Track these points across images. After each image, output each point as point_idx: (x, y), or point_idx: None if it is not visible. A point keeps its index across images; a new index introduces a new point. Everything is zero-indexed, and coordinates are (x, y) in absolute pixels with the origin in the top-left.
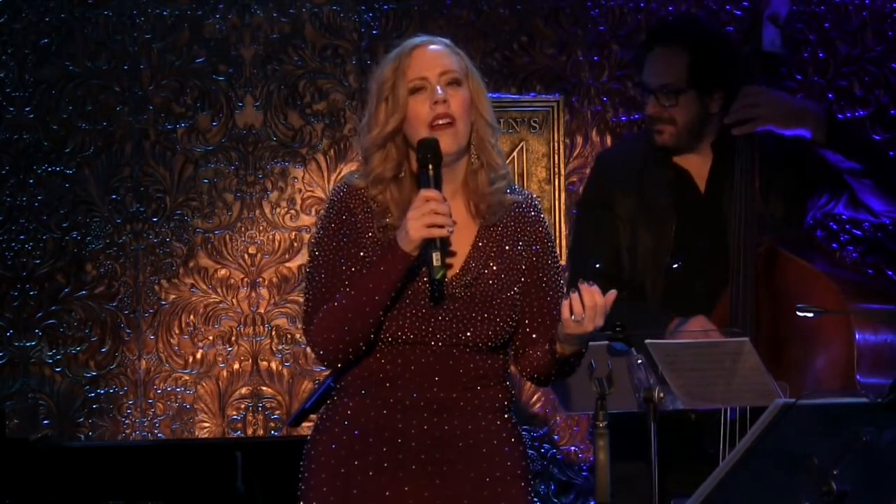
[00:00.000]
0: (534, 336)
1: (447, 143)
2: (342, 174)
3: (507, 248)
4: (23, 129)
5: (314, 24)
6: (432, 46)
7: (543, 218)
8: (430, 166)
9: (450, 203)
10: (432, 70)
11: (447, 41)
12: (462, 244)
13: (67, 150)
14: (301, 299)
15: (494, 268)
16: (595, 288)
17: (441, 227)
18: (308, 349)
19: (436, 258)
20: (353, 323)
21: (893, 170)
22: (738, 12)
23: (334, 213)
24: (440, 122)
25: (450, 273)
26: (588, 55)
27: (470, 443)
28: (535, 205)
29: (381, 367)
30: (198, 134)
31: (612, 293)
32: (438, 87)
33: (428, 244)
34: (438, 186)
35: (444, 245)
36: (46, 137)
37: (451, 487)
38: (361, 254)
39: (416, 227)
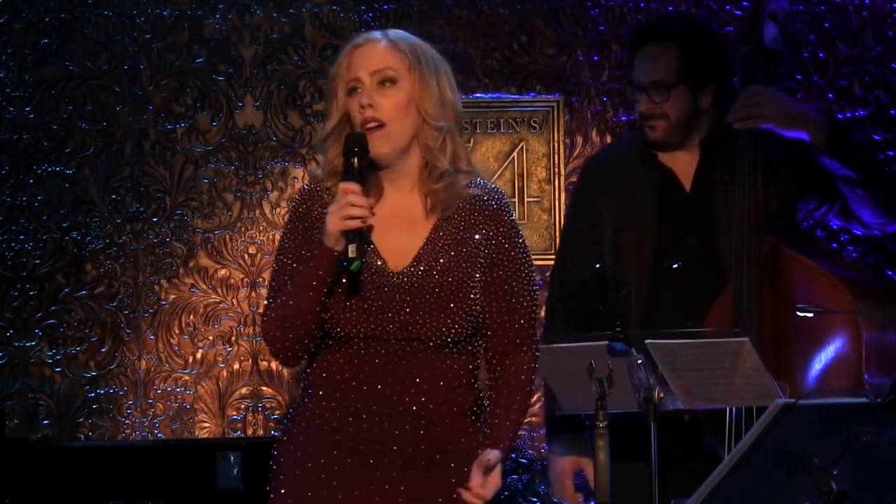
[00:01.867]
0: (505, 342)
1: (376, 146)
2: None
3: (462, 240)
4: (23, 128)
5: (314, 24)
6: (369, 45)
7: (507, 212)
8: (354, 159)
9: (407, 198)
10: (364, 70)
11: (396, 36)
12: (416, 238)
13: (67, 150)
14: None
15: (447, 261)
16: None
17: (356, 218)
18: None
19: (351, 250)
20: (293, 319)
21: (888, 182)
22: (738, 12)
23: (294, 210)
24: (368, 126)
25: (401, 266)
26: (588, 55)
27: (433, 446)
28: (498, 198)
29: (339, 368)
30: (198, 134)
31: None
32: (367, 90)
33: (345, 236)
34: (362, 180)
35: (363, 237)
36: (46, 137)
37: (415, 489)
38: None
39: (333, 220)
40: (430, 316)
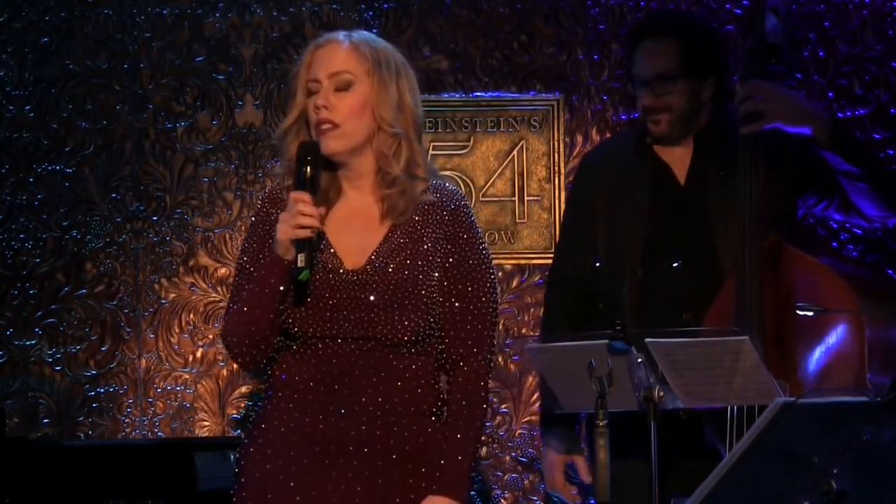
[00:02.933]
0: (458, 344)
1: (329, 144)
2: None
3: (419, 240)
4: (23, 127)
5: (314, 23)
6: (331, 46)
7: (466, 213)
8: (307, 168)
9: (366, 198)
10: (322, 71)
11: (359, 38)
12: (373, 238)
13: (67, 149)
14: None
15: (402, 259)
16: None
17: (305, 227)
18: None
19: (300, 259)
20: (248, 325)
21: (890, 176)
22: (738, 11)
23: (256, 212)
24: (322, 126)
25: (357, 265)
26: (588, 54)
27: (398, 447)
28: (457, 200)
29: (297, 368)
30: (198, 133)
31: None
32: (324, 91)
33: (295, 245)
34: (314, 189)
35: (312, 247)
36: (46, 136)
37: (381, 491)
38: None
39: (283, 229)
40: (384, 314)
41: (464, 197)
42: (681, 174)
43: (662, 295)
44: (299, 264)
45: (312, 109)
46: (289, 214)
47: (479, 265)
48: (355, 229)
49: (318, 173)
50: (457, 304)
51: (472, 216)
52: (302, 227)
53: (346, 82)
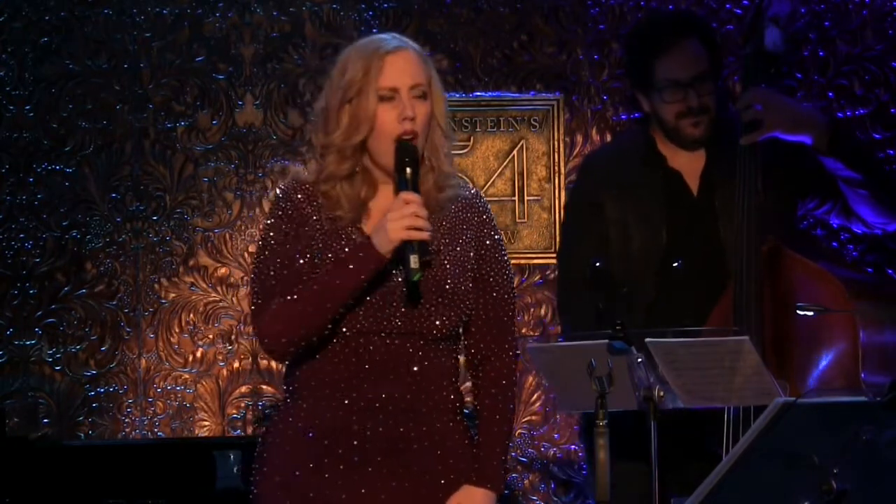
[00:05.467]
0: (488, 339)
1: None
2: None
3: (457, 235)
4: (23, 127)
5: (314, 22)
6: (405, 54)
7: (489, 211)
8: (408, 170)
9: (390, 200)
10: (403, 81)
11: (417, 46)
12: None
13: (67, 149)
14: None
15: (447, 254)
16: None
17: (420, 229)
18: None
19: (413, 260)
20: (312, 318)
21: (890, 182)
22: (739, 11)
23: (281, 208)
24: (405, 137)
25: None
26: (588, 54)
27: (425, 445)
28: (481, 197)
29: (334, 367)
30: (198, 132)
31: None
32: (407, 102)
33: (405, 246)
34: (416, 189)
35: (423, 248)
36: (46, 136)
37: (407, 489)
38: (312, 244)
39: (396, 229)
40: (434, 308)
41: (482, 195)
42: (693, 183)
43: (672, 305)
44: (413, 265)
45: (394, 119)
46: (399, 214)
47: (504, 261)
48: None
49: (418, 173)
50: (487, 297)
51: (492, 212)
52: (417, 228)
53: (423, 92)
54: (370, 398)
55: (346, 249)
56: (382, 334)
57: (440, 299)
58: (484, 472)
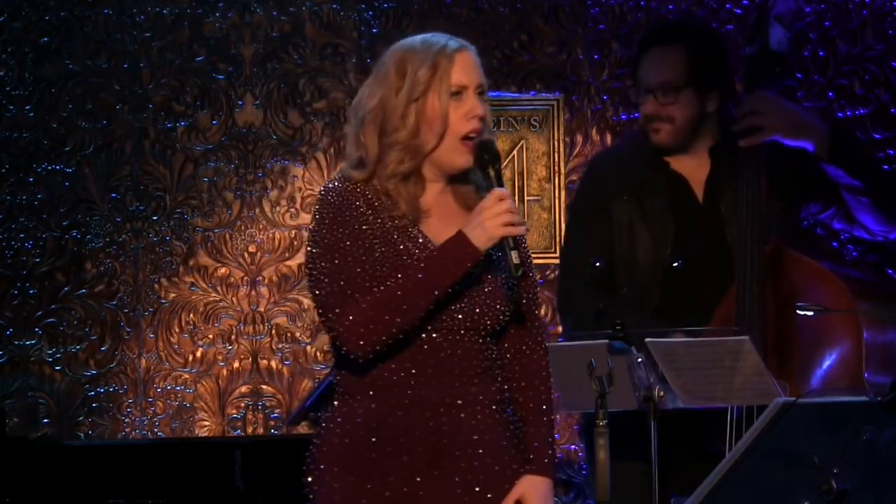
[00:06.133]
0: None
1: (470, 157)
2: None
3: None
4: (23, 127)
5: (314, 22)
6: (470, 54)
7: None
8: (492, 167)
9: (439, 198)
10: (472, 80)
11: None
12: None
13: (67, 149)
14: (302, 298)
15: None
16: None
17: (517, 225)
18: (308, 347)
19: (514, 256)
20: (406, 315)
21: (892, 189)
22: (739, 10)
23: (335, 206)
24: (472, 134)
25: None
26: (588, 54)
27: (473, 438)
28: None
29: (399, 365)
30: (197, 132)
31: None
32: (475, 100)
33: (504, 242)
34: (501, 184)
35: (518, 243)
36: (46, 136)
37: (451, 480)
38: (374, 244)
39: (494, 226)
40: (490, 301)
41: None
42: (698, 189)
43: (680, 307)
44: (515, 261)
45: (465, 116)
46: (495, 211)
47: (530, 256)
48: (447, 223)
49: (500, 168)
50: (527, 292)
51: None
52: (514, 224)
53: (484, 92)
54: (423, 394)
55: (417, 250)
56: (444, 331)
57: (494, 293)
58: (539, 461)
